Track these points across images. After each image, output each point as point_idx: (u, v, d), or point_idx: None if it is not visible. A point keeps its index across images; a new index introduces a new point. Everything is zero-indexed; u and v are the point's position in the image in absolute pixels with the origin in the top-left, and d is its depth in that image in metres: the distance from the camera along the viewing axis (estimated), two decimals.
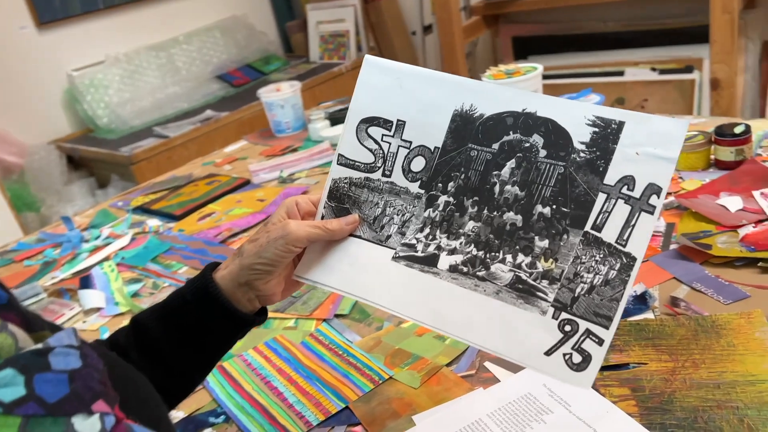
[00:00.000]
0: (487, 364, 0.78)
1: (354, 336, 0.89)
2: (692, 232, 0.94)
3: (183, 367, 0.65)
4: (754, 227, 0.91)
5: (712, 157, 1.14)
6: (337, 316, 0.94)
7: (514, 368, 0.76)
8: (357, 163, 0.69)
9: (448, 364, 0.80)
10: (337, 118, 1.74)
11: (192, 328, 0.64)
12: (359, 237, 0.68)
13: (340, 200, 0.69)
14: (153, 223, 1.42)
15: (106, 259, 1.28)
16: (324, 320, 0.94)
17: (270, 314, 0.75)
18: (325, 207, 0.69)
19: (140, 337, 0.65)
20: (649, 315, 0.81)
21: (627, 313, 0.81)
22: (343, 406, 0.76)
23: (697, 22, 2.37)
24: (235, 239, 1.27)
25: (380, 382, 0.79)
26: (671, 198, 1.05)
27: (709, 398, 0.66)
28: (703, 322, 0.77)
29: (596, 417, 0.67)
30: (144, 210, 1.51)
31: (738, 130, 1.09)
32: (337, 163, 0.70)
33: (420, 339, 0.85)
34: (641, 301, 0.82)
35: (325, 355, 0.86)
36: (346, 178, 0.69)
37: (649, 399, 0.68)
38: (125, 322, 1.06)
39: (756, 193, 0.99)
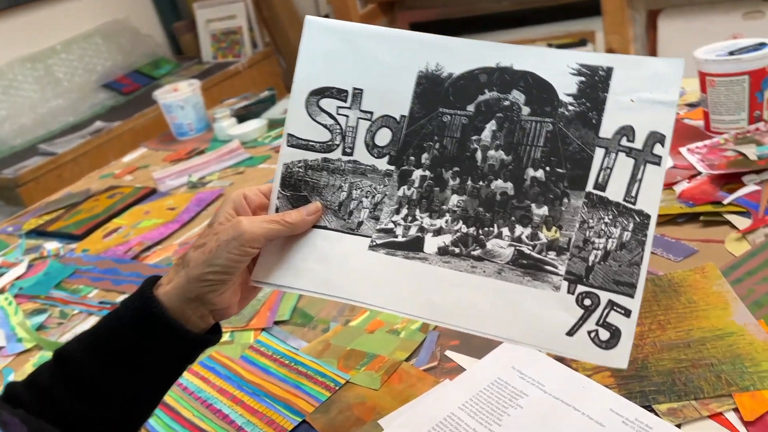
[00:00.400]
0: (449, 353, 0.73)
1: (299, 342, 0.82)
2: None
3: (126, 404, 0.55)
4: (688, 183, 0.92)
5: None
6: (276, 323, 0.86)
7: (478, 354, 0.71)
8: (311, 143, 0.61)
9: (408, 359, 0.74)
10: (243, 115, 1.65)
11: (133, 357, 0.54)
12: (325, 227, 0.60)
13: (296, 187, 0.60)
14: (51, 246, 1.27)
15: (1, 291, 1.14)
16: (263, 329, 0.85)
17: None
18: (278, 197, 0.61)
19: (68, 373, 0.54)
20: None
21: None
22: (300, 420, 0.69)
23: None
24: (149, 253, 1.16)
25: (337, 388, 0.72)
26: None
27: (683, 358, 0.64)
28: (660, 282, 0.75)
29: (573, 394, 0.63)
30: (39, 233, 1.36)
31: None
32: (288, 145, 0.61)
33: (372, 336, 0.79)
34: None
35: (270, 367, 0.78)
36: (300, 162, 0.61)
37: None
38: (32, 359, 0.95)
39: (683, 150, 0.99)
